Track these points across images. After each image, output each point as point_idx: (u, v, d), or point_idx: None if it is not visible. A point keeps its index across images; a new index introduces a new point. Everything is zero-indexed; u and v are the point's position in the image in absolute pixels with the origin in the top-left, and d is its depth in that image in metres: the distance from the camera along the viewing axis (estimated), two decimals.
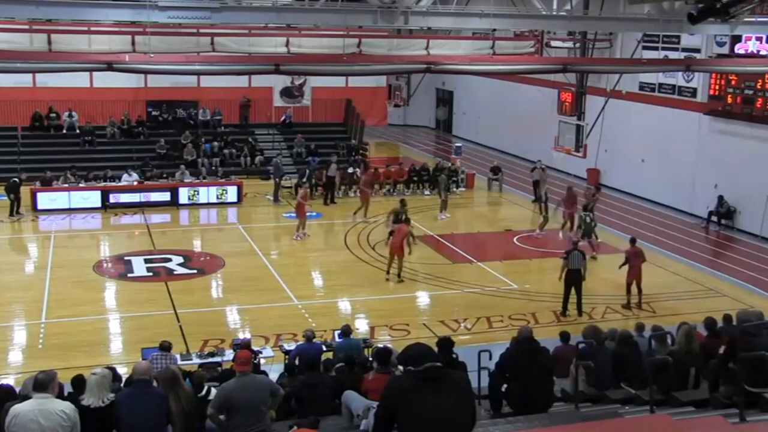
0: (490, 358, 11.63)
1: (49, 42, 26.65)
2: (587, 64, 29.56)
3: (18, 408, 7.66)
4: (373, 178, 30.03)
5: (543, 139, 36.37)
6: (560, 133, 35.80)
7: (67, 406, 7.69)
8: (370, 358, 12.95)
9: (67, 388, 9.75)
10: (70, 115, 35.76)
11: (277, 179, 31.29)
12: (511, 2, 25.44)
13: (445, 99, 49.89)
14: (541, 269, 23.54)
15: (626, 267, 20.18)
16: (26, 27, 27.92)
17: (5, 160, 32.69)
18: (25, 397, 8.54)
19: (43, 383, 7.73)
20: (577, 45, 34.32)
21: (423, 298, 20.97)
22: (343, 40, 27.96)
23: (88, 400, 8.48)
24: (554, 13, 21.80)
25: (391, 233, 22.28)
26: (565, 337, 13.49)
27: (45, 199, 28.76)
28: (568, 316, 19.21)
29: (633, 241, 20.82)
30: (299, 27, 31.03)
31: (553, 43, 34.63)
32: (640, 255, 20.17)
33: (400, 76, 46.02)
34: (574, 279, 19.23)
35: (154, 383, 9.02)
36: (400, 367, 5.96)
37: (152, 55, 18.86)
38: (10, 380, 13.72)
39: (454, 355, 11.38)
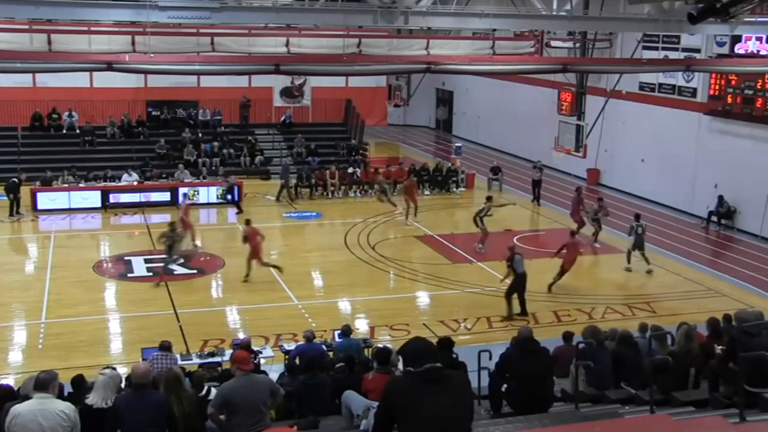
0: (490, 358, 11.63)
1: (49, 42, 26.66)
2: (587, 64, 29.57)
3: (18, 408, 7.65)
4: (411, 183, 29.53)
5: (543, 139, 36.38)
6: (560, 133, 35.79)
7: (67, 407, 7.68)
8: (370, 358, 12.95)
9: (67, 388, 9.76)
10: (70, 115, 35.77)
11: (283, 180, 31.36)
12: (511, 2, 25.45)
13: (445, 99, 49.89)
14: (541, 269, 23.49)
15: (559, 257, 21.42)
16: (26, 27, 27.93)
17: (5, 160, 32.70)
18: (25, 397, 8.54)
19: (44, 383, 7.74)
20: (577, 45, 34.32)
21: (423, 298, 20.97)
22: (343, 40, 27.98)
23: (92, 399, 8.47)
24: (554, 13, 21.80)
25: (245, 239, 21.74)
26: (566, 337, 13.49)
27: (45, 199, 28.78)
28: (530, 315, 19.09)
29: (573, 233, 22.16)
30: (299, 27, 31.03)
31: (553, 43, 34.63)
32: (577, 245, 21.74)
33: (400, 76, 45.99)
34: (522, 282, 19.12)
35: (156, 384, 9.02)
36: (400, 366, 5.98)
37: (152, 55, 18.87)
38: (10, 380, 13.74)
39: (454, 355, 11.39)
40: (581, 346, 11.65)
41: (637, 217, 23.81)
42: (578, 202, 26.19)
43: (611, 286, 21.86)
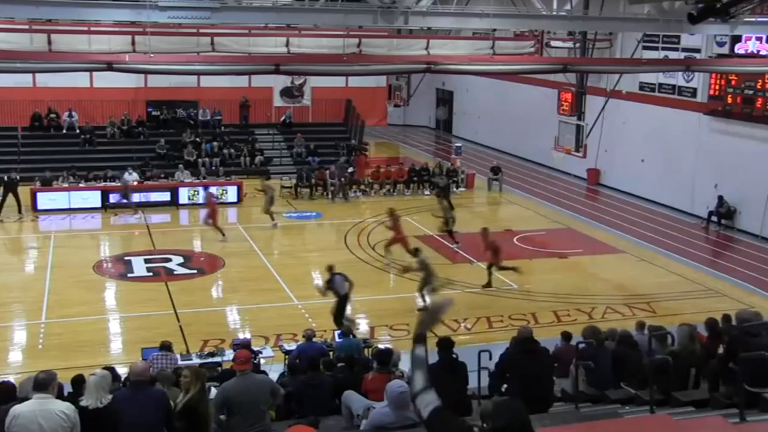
0: (490, 359, 11.63)
1: (49, 42, 26.65)
2: (587, 64, 29.51)
3: (18, 408, 7.66)
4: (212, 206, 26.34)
5: (543, 139, 36.38)
6: (560, 133, 35.77)
7: (67, 407, 7.69)
8: (371, 359, 12.96)
9: (67, 388, 9.75)
10: (70, 115, 35.77)
11: (339, 180, 31.56)
12: (511, 2, 25.44)
13: (445, 99, 49.87)
14: (541, 269, 23.52)
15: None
16: (26, 27, 27.92)
17: (5, 160, 32.68)
18: (24, 398, 8.55)
19: (43, 383, 7.75)
20: (577, 45, 34.31)
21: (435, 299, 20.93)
22: (343, 40, 27.96)
23: (86, 401, 8.48)
24: (554, 13, 21.79)
25: None
26: (565, 337, 13.49)
27: (45, 199, 28.77)
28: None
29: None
30: (299, 27, 31.02)
31: (553, 43, 34.62)
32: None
33: (400, 76, 46.00)
34: (344, 303, 18.01)
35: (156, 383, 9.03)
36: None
37: (152, 55, 18.86)
38: (9, 380, 13.72)
39: (454, 355, 11.38)
40: (581, 346, 11.65)
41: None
42: (396, 221, 23.80)
43: (611, 286, 21.85)
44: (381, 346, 13.85)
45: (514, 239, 26.25)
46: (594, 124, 34.06)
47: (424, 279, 19.51)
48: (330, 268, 18.20)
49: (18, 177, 28.31)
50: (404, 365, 11.49)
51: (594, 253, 24.99)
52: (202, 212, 26.73)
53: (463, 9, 23.81)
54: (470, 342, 16.91)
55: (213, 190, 27.81)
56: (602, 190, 34.01)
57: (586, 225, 28.31)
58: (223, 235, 25.44)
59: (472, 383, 11.13)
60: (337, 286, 17.89)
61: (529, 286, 21.58)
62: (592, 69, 30.27)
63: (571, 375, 11.48)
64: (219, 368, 13.90)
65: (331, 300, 19.35)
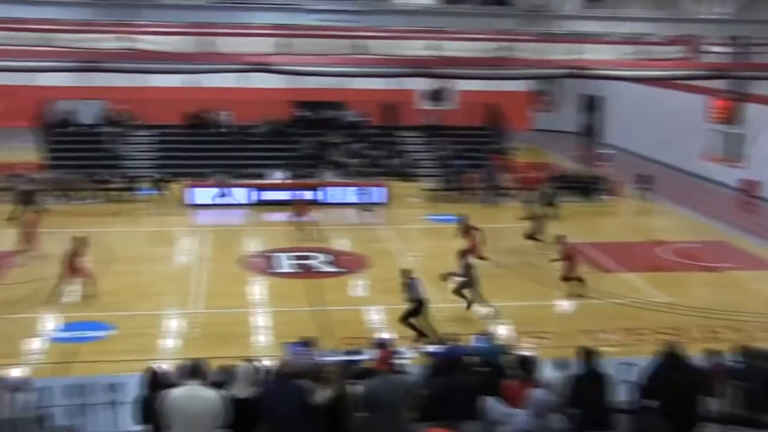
0: (635, 372, 11.27)
1: (204, 44, 27.67)
2: (745, 69, 28.15)
3: (171, 393, 7.99)
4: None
5: (695, 146, 35.02)
6: (714, 141, 34.34)
7: (216, 394, 7.97)
8: (511, 366, 12.77)
9: (215, 377, 10.09)
10: (223, 115, 37.20)
11: (487, 184, 31.66)
12: (663, 5, 24.57)
13: (593, 104, 48.68)
14: (692, 283, 22.62)
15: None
16: (183, 30, 29.08)
17: (164, 156, 34.41)
18: (173, 384, 8.90)
19: (193, 371, 8.06)
20: (735, 49, 32.64)
21: (566, 306, 20.52)
22: (490, 44, 27.72)
23: (234, 390, 8.76)
24: (708, 16, 20.88)
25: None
26: (715, 354, 12.88)
27: (199, 195, 30.14)
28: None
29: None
30: (445, 30, 31.00)
31: (708, 48, 33.13)
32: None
33: (547, 80, 45.28)
34: (420, 309, 17.61)
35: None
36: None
37: (300, 57, 19.29)
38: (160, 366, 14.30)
39: (598, 367, 11.08)
40: (733, 364, 11.14)
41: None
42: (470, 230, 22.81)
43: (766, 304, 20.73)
44: (523, 353, 13.62)
45: (664, 250, 25.31)
46: (754, 132, 32.37)
47: (466, 283, 19.29)
48: (406, 273, 17.98)
49: (169, 174, 30.04)
50: (546, 373, 11.26)
51: (750, 268, 23.76)
52: (290, 215, 26.96)
53: (613, 13, 23.18)
54: (614, 354, 16.40)
55: (303, 193, 28.42)
56: (761, 203, 32.33)
57: (743, 238, 26.99)
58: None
59: (616, 397, 10.80)
60: (415, 291, 17.68)
61: (679, 300, 20.77)
62: (751, 75, 28.79)
63: (721, 395, 10.96)
64: (359, 366, 14.01)
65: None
